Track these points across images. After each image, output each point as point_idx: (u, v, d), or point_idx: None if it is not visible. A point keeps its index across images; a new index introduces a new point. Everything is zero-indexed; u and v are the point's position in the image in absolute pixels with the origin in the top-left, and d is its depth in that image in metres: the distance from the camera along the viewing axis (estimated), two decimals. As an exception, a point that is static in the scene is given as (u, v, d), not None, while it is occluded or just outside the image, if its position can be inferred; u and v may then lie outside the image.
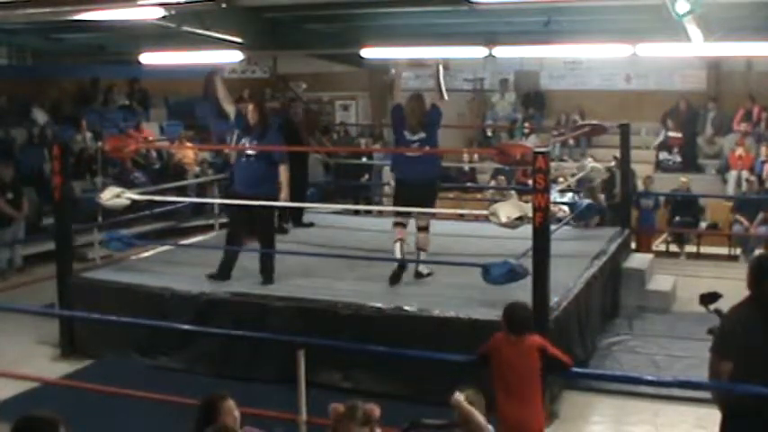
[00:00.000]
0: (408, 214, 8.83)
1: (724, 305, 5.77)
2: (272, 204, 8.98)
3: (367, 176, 16.18)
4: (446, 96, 8.97)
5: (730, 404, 5.43)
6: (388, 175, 16.02)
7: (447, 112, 9.42)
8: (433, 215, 9.24)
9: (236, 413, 4.63)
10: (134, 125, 16.86)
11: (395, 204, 9.12)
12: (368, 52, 15.73)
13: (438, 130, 8.87)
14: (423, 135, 8.63)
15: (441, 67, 9.01)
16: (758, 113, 16.63)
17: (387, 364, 7.43)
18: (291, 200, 10.08)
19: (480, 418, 4.87)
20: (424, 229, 8.87)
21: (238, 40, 13.96)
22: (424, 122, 8.65)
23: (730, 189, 15.67)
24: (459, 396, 4.92)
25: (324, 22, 15.13)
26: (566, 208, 12.61)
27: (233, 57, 15.49)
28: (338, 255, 9.45)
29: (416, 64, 9.85)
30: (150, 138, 16.58)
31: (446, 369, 6.74)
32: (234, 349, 8.11)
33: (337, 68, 18.91)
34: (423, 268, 8.89)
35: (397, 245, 8.71)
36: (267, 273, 8.81)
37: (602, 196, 12.19)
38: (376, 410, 4.38)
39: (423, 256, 8.86)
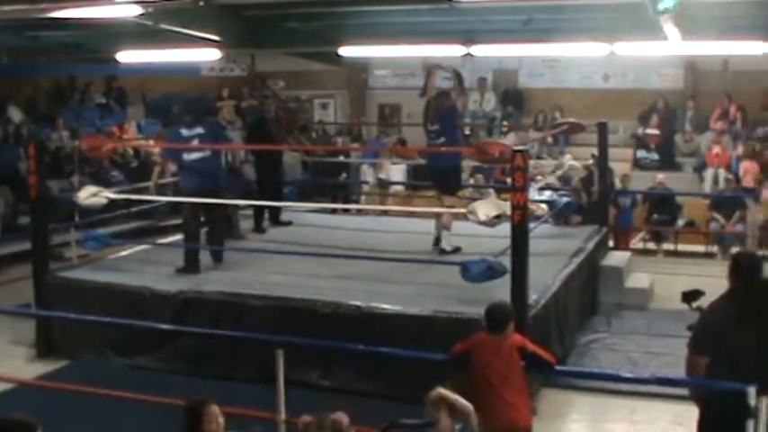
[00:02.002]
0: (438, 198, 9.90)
1: (704, 302, 5.82)
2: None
3: (344, 175, 16.16)
4: (466, 94, 10.46)
5: (707, 400, 5.47)
6: (366, 174, 16.06)
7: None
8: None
9: (221, 419, 4.60)
10: (118, 124, 16.77)
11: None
12: (346, 51, 15.75)
13: (454, 125, 9.71)
14: (437, 127, 9.48)
15: (458, 69, 9.93)
16: (734, 112, 16.74)
17: (366, 363, 7.42)
18: (266, 198, 10.20)
19: (461, 400, 4.89)
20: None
21: (217, 38, 13.91)
22: (440, 116, 9.48)
23: (707, 187, 15.75)
24: (435, 392, 4.93)
25: (302, 20, 15.09)
26: (544, 206, 12.64)
27: (211, 55, 15.47)
28: (317, 253, 9.43)
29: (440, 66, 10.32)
30: (129, 136, 16.51)
31: (426, 367, 6.73)
32: (212, 348, 8.08)
33: (316, 67, 18.87)
34: (445, 245, 9.41)
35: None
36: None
37: (583, 194, 12.24)
38: (344, 419, 4.39)
39: (444, 234, 9.48)
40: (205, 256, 9.45)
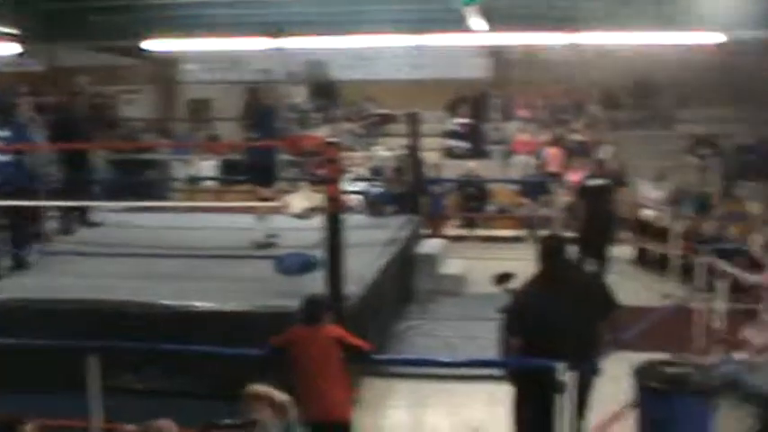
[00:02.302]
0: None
1: (515, 285, 6.00)
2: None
3: (154, 172, 15.74)
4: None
5: (520, 378, 5.65)
6: (176, 170, 15.74)
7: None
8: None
9: None
10: None
11: None
12: (150, 44, 15.38)
13: (269, 119, 9.77)
14: (252, 121, 9.68)
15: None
16: (539, 100, 17.39)
17: (183, 363, 7.26)
18: (74, 198, 9.83)
19: (278, 394, 4.86)
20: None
21: (14, 31, 13.29)
22: (254, 110, 9.71)
23: (516, 173, 16.27)
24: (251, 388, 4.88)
25: (107, 13, 14.63)
26: (358, 197, 12.72)
27: (8, 49, 14.78)
28: (127, 253, 9.15)
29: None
30: None
31: (243, 364, 6.64)
32: (18, 359, 7.65)
33: (122, 61, 18.31)
34: (260, 238, 9.46)
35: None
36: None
37: (396, 184, 12.38)
38: (171, 426, 4.26)
39: (259, 227, 9.55)
40: (8, 262, 8.99)
